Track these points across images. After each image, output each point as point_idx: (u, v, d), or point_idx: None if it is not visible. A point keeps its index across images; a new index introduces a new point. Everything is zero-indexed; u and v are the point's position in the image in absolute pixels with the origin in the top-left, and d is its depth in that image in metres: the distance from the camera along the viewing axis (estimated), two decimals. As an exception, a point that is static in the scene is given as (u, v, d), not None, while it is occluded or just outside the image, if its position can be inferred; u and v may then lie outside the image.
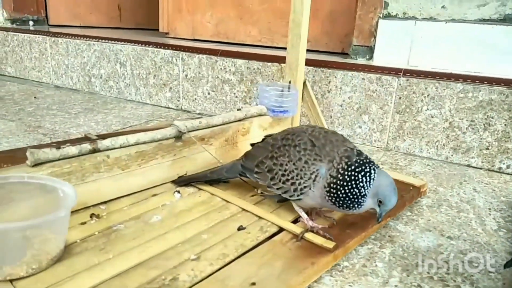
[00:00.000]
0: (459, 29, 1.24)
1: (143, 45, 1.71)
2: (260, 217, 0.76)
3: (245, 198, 0.84)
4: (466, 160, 1.21)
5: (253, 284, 0.57)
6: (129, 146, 0.81)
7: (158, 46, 1.67)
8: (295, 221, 0.76)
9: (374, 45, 1.38)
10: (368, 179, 0.65)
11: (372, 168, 0.66)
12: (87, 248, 0.64)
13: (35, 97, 1.76)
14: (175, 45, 1.67)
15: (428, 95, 1.22)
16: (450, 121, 1.21)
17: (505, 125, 1.14)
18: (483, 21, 1.23)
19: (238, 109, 1.06)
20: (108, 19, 2.68)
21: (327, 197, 0.68)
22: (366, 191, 0.65)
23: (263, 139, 0.83)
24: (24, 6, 2.40)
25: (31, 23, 2.39)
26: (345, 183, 0.65)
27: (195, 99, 1.65)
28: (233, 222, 0.75)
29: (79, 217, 0.72)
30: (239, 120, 1.04)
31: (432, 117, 1.22)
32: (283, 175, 0.72)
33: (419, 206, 0.93)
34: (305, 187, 0.69)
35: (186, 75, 1.64)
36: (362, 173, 0.65)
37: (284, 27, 1.72)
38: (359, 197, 0.66)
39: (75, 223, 0.70)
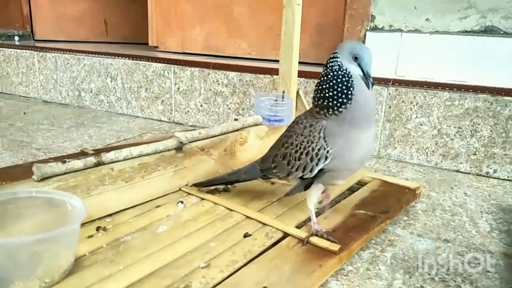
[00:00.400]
0: (443, 41, 1.30)
1: (134, 59, 1.72)
2: (264, 224, 0.78)
3: (248, 206, 0.85)
4: (455, 166, 1.26)
5: (265, 287, 0.59)
6: (132, 158, 0.82)
7: (150, 60, 1.69)
8: (299, 227, 0.78)
9: (363, 57, 1.43)
10: (334, 62, 0.67)
11: (332, 56, 0.68)
12: (97, 261, 0.64)
13: (24, 113, 1.74)
14: (167, 58, 1.69)
15: (416, 104, 1.26)
16: (439, 128, 1.25)
17: (490, 131, 1.19)
18: (466, 32, 1.29)
19: (235, 119, 1.08)
20: (94, 34, 2.68)
21: (328, 111, 0.67)
22: (342, 64, 0.67)
23: None
24: (9, 21, 2.39)
25: (16, 38, 2.37)
26: (325, 77, 0.68)
27: (188, 111, 1.66)
28: (238, 229, 0.76)
29: (85, 230, 0.72)
30: (237, 130, 1.06)
31: (421, 124, 1.27)
32: (296, 151, 0.72)
33: (415, 210, 0.97)
34: (318, 149, 0.68)
35: (178, 88, 1.65)
36: (331, 64, 0.67)
37: (272, 40, 1.77)
38: (340, 75, 0.66)
39: (82, 236, 0.70)
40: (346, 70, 0.66)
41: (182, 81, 1.64)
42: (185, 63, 1.62)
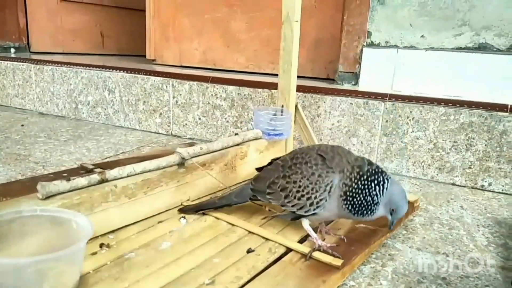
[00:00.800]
0: (438, 57, 1.33)
1: (133, 72, 1.74)
2: (267, 239, 0.79)
3: (250, 220, 0.86)
4: (451, 179, 1.28)
5: (271, 305, 0.59)
6: (135, 175, 0.82)
7: (148, 73, 1.70)
8: (301, 241, 0.79)
9: (359, 72, 1.45)
10: (381, 188, 0.70)
11: (385, 177, 0.70)
12: (102, 278, 0.64)
13: (22, 125, 1.74)
14: (165, 72, 1.70)
15: (413, 118, 1.29)
16: (435, 142, 1.28)
17: (485, 145, 1.22)
18: (460, 49, 1.33)
19: (236, 134, 1.09)
20: (90, 46, 2.69)
21: (343, 206, 0.71)
22: (379, 199, 0.70)
23: (271, 162, 0.86)
24: (5, 33, 2.39)
25: (12, 50, 2.37)
26: (359, 191, 0.70)
27: (186, 124, 1.67)
28: (241, 245, 0.77)
29: (89, 247, 0.71)
30: (237, 145, 1.07)
31: (417, 138, 1.29)
32: (297, 191, 0.74)
33: (413, 224, 0.98)
34: (321, 200, 0.72)
35: (177, 101, 1.66)
36: (375, 182, 0.69)
37: (270, 54, 1.79)
38: (373, 204, 0.70)
39: (86, 254, 0.70)
40: (374, 207, 0.71)
41: (180, 95, 1.65)
42: (184, 76, 1.64)
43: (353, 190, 0.70)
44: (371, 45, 1.45)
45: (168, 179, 0.89)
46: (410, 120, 1.29)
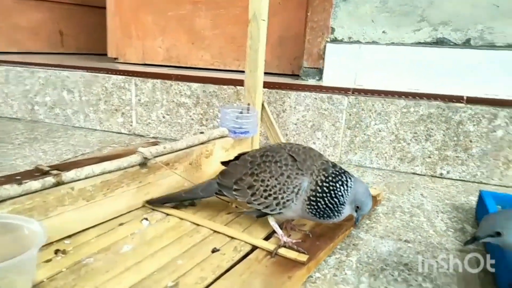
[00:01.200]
0: (399, 51, 1.37)
1: (93, 71, 1.68)
2: (232, 237, 0.78)
3: (215, 220, 0.85)
4: (412, 169, 1.32)
5: (236, 304, 0.58)
6: (94, 176, 0.79)
7: (110, 72, 1.65)
8: (267, 238, 0.78)
9: (323, 67, 1.47)
10: (345, 188, 0.70)
11: (348, 177, 0.71)
12: (57, 287, 0.61)
13: (-27, 129, 1.64)
14: (127, 70, 1.66)
15: (375, 111, 1.31)
16: (396, 134, 1.31)
17: (443, 135, 1.26)
18: (419, 44, 1.36)
19: (201, 133, 1.07)
20: (49, 45, 2.58)
21: (307, 210, 0.71)
22: (344, 199, 0.70)
23: (238, 157, 0.85)
24: (-45, 32, 2.25)
25: (-37, 50, 2.24)
26: (324, 195, 0.70)
27: (149, 123, 1.63)
28: (206, 245, 0.75)
29: (42, 254, 0.68)
30: (202, 143, 1.05)
31: (379, 131, 1.32)
32: (265, 190, 0.73)
33: (376, 214, 1.00)
34: (287, 200, 0.72)
35: (140, 100, 1.62)
36: (340, 183, 0.69)
37: (235, 51, 1.78)
38: (339, 205, 0.70)
39: (39, 261, 0.66)
40: (340, 208, 0.71)
41: (143, 93, 1.61)
42: (147, 75, 1.60)
43: (317, 195, 0.70)
44: (335, 41, 1.46)
45: (129, 180, 0.86)
46: (372, 113, 1.32)
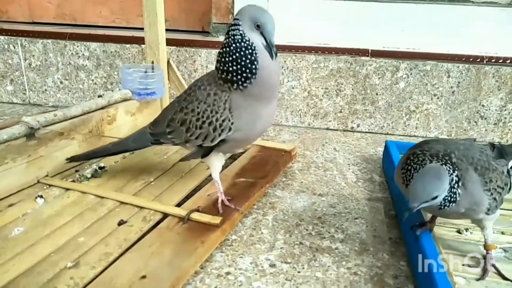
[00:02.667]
0: (309, 5, 1.35)
1: (-34, 30, 1.42)
2: (141, 207, 0.72)
3: (122, 190, 0.78)
4: (325, 124, 1.35)
5: (144, 277, 0.54)
6: (-35, 152, 0.67)
7: (-13, 32, 1.41)
8: (179, 205, 0.74)
9: (233, 22, 1.40)
10: (234, 30, 0.62)
11: (234, 28, 0.62)
12: None
13: None
14: (10, 29, 1.43)
15: (287, 68, 1.30)
16: (309, 90, 1.32)
17: (352, 89, 1.30)
18: (328, -4, 1.36)
19: (100, 96, 0.97)
20: None
21: (234, 84, 0.62)
22: (240, 31, 0.61)
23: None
24: None
25: None
26: (226, 49, 0.62)
27: (45, 90, 1.45)
28: (111, 218, 0.69)
29: None
30: (102, 108, 0.95)
31: (293, 88, 1.32)
32: (197, 119, 0.66)
33: (292, 171, 1.01)
34: (223, 120, 0.64)
35: (30, 64, 1.42)
36: (231, 36, 0.62)
37: (138, 6, 1.62)
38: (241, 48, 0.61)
39: None
40: (249, 41, 0.61)
41: (33, 56, 1.41)
42: (34, 34, 1.40)
43: (224, 52, 0.61)
44: (237, -7, 1.40)
45: (14, 154, 0.75)
46: (285, 69, 1.31)
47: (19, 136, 0.75)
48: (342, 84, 1.30)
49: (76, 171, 0.86)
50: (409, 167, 0.60)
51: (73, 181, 0.81)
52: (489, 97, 1.25)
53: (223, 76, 0.63)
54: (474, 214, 0.59)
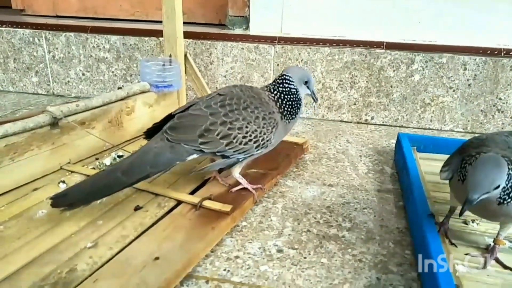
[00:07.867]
0: (323, -2, 1.35)
1: (-5, 24, 1.49)
2: (156, 194, 0.76)
3: (138, 178, 0.82)
4: (339, 116, 1.36)
5: (157, 258, 0.58)
6: (-5, 140, 0.72)
7: (15, 26, 1.47)
8: (192, 193, 0.77)
9: (249, 15, 1.42)
10: (291, 82, 0.81)
11: (286, 77, 0.82)
12: (-39, 258, 0.57)
13: None
14: (35, 23, 1.49)
15: (302, 60, 1.32)
16: (323, 83, 1.33)
17: (366, 81, 1.31)
18: (342, -10, 1.36)
19: (119, 88, 1.01)
20: None
21: (286, 121, 0.81)
22: (296, 86, 0.82)
23: (186, 109, 0.76)
24: None
25: None
26: (286, 97, 0.81)
27: (68, 81, 1.51)
28: (128, 203, 0.73)
29: None
30: (122, 99, 0.99)
31: (307, 80, 1.33)
32: (244, 137, 0.74)
33: (303, 161, 1.03)
34: (267, 140, 0.77)
35: (54, 56, 1.48)
36: (287, 83, 0.81)
37: (158, 0, 1.66)
38: (297, 95, 0.82)
39: None
40: (299, 95, 0.82)
41: (57, 48, 1.47)
42: (58, 27, 1.45)
43: (285, 98, 0.80)
44: (259, -14, 1.41)
45: (40, 141, 0.80)
46: (299, 62, 1.32)
47: (44, 124, 0.79)
48: (356, 76, 1.30)
49: (96, 159, 0.91)
50: (466, 165, 0.56)
51: (93, 168, 0.86)
52: (507, 90, 1.23)
53: (280, 110, 0.80)
54: None
